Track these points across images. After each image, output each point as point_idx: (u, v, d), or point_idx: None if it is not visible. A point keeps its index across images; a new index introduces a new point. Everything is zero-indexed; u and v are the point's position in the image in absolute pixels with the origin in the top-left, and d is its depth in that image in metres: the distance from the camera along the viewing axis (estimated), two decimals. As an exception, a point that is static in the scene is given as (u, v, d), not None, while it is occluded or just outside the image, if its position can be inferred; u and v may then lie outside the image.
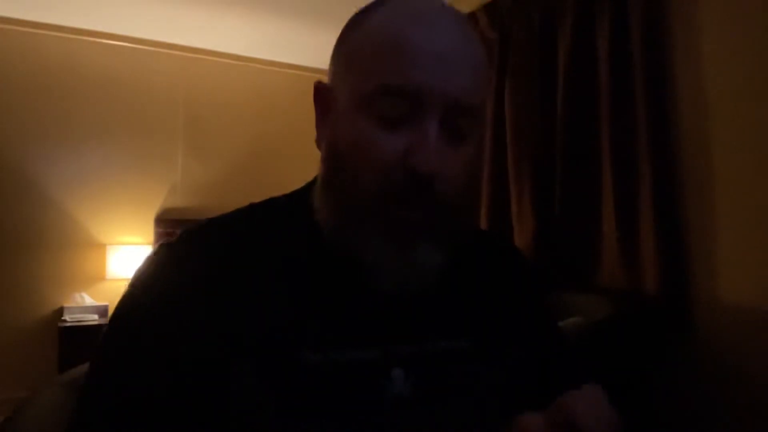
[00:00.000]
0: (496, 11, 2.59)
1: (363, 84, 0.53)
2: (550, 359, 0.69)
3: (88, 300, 3.28)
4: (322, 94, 0.60)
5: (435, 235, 0.54)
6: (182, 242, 0.59)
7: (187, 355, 0.52)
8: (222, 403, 0.52)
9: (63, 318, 3.12)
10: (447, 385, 0.58)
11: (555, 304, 1.90)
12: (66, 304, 3.25)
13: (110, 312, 0.57)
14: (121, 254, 3.38)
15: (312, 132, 0.61)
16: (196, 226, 0.61)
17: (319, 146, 0.60)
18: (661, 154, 1.88)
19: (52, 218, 3.34)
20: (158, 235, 3.52)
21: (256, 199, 0.65)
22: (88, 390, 0.54)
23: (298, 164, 3.09)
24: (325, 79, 0.61)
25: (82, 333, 3.04)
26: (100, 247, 3.41)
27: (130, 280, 0.57)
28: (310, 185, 0.64)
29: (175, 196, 3.70)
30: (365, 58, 0.53)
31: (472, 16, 2.75)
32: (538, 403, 0.51)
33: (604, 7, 2.06)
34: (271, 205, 0.64)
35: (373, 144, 0.52)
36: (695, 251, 1.83)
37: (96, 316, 3.18)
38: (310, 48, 3.67)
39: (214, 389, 0.51)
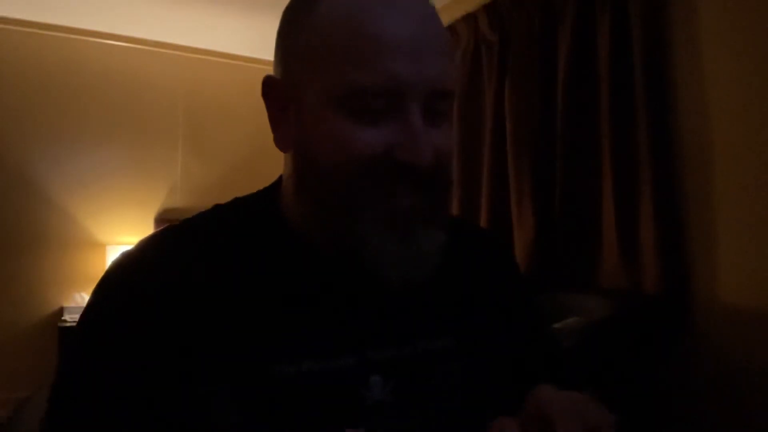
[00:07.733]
0: (496, 12, 2.58)
1: (334, 83, 0.49)
2: (533, 353, 0.67)
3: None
4: (275, 90, 0.55)
5: (432, 219, 0.52)
6: (144, 249, 0.56)
7: (155, 373, 0.50)
8: (194, 421, 0.49)
9: (63, 318, 3.11)
10: (428, 387, 0.56)
11: (551, 303, 1.90)
12: (66, 304, 3.25)
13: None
14: (121, 254, 3.38)
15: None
16: (158, 232, 0.58)
17: (280, 147, 0.56)
18: (661, 154, 1.88)
19: (52, 218, 3.34)
20: (158, 235, 3.51)
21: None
22: (57, 402, 0.52)
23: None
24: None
25: (82, 333, 3.03)
26: (100, 247, 3.41)
27: (94, 289, 0.54)
28: (276, 185, 0.61)
29: (175, 196, 3.70)
30: (331, 53, 0.49)
31: (471, 16, 2.75)
32: (521, 399, 0.49)
33: (605, 7, 2.05)
34: (237, 206, 0.61)
35: (354, 141, 0.49)
36: (695, 251, 1.83)
37: (96, 316, 3.17)
38: (310, 48, 3.66)
39: (185, 406, 0.49)
